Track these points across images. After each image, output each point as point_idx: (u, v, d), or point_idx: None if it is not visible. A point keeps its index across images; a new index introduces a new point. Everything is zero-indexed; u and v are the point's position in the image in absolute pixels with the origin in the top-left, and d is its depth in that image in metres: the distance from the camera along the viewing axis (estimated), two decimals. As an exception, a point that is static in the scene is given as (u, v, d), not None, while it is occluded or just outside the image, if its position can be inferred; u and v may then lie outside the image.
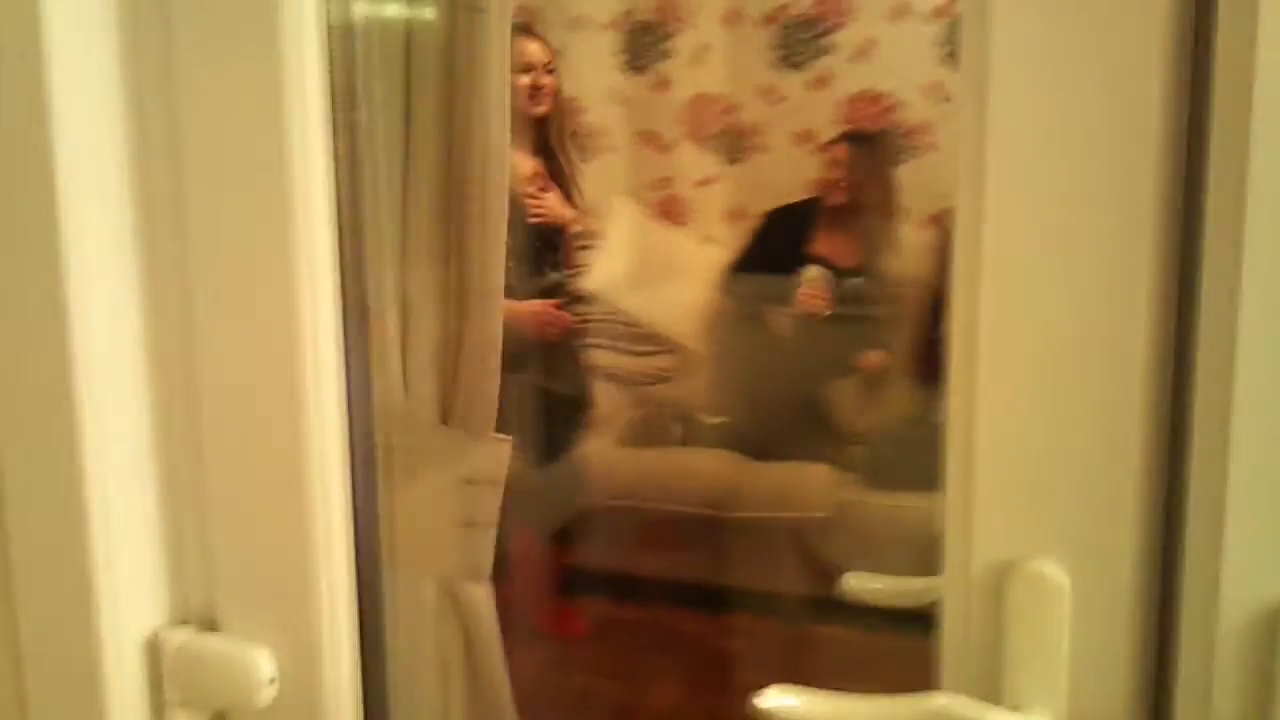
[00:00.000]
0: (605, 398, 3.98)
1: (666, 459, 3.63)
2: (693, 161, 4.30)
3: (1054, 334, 0.75)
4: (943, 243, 3.71)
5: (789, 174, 4.09)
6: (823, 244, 3.69)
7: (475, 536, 1.26)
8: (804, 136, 4.15)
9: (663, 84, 4.29)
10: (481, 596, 1.27)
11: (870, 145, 3.81)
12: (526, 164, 2.76)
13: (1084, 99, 0.72)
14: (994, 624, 0.78)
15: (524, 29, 2.81)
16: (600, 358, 4.04)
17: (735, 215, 4.26)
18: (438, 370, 1.21)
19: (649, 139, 4.34)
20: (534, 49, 2.73)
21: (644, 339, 4.09)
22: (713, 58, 4.22)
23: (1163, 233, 0.72)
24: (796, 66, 4.13)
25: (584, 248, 4.28)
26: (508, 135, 1.19)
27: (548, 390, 2.79)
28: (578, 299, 3.04)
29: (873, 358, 3.58)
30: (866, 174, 3.68)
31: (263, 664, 0.91)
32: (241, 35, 0.86)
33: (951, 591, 0.80)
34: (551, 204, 2.75)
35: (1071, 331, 0.74)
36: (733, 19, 4.16)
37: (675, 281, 4.14)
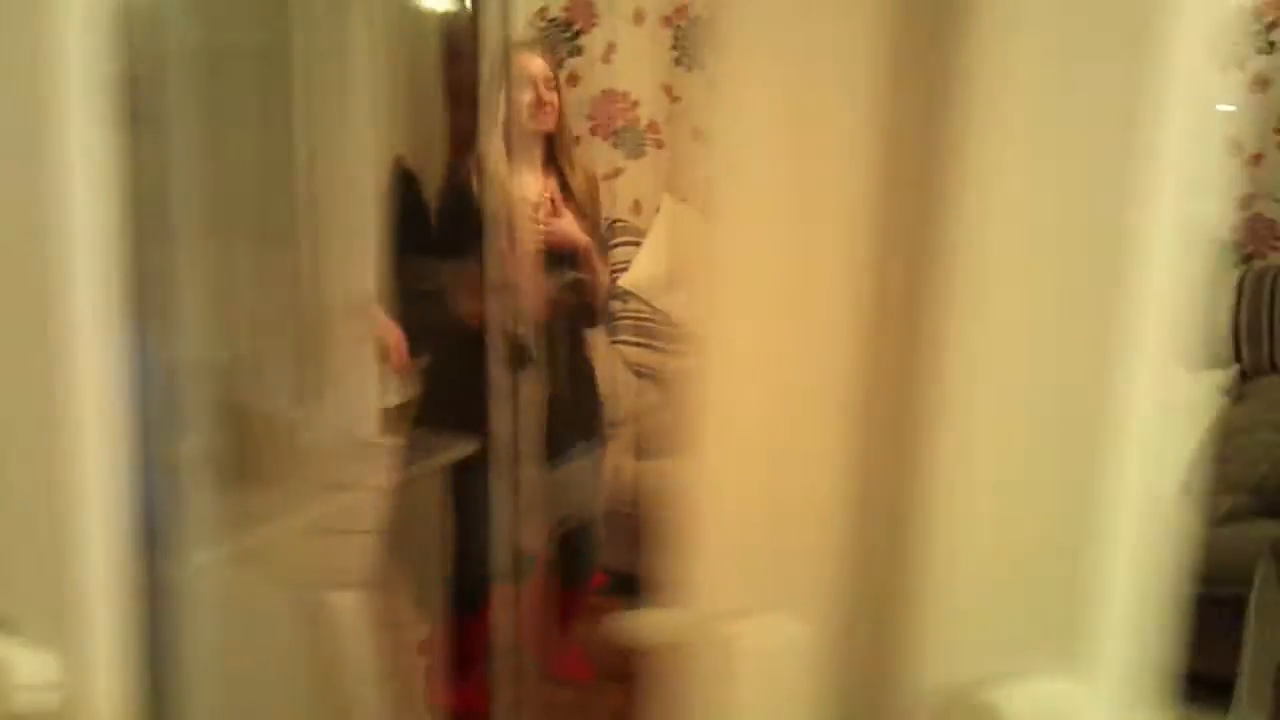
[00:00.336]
0: (639, 396, 3.94)
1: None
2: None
3: (774, 376, 0.69)
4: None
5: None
6: None
7: (346, 544, 1.23)
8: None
9: (716, 81, 4.22)
10: (349, 605, 1.24)
11: None
12: (534, 184, 2.70)
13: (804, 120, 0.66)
14: (720, 674, 0.72)
15: (525, 44, 2.76)
16: (636, 356, 4.00)
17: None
18: (305, 371, 1.18)
19: (701, 136, 4.28)
20: (535, 65, 2.68)
21: (682, 338, 4.03)
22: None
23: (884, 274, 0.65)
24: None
25: (624, 244, 4.25)
26: (382, 135, 1.16)
27: (553, 390, 2.74)
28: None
29: None
30: None
31: (21, 668, 0.89)
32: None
33: (682, 639, 0.75)
34: (562, 228, 2.68)
35: (790, 375, 0.68)
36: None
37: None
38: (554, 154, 2.72)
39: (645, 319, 4.04)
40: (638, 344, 4.02)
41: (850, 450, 0.67)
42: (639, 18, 4.28)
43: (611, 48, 4.34)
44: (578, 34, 4.38)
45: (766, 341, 0.69)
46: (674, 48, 4.25)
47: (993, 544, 0.62)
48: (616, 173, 4.43)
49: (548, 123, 2.65)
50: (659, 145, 4.34)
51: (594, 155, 4.43)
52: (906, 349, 0.64)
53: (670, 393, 4.04)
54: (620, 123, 4.39)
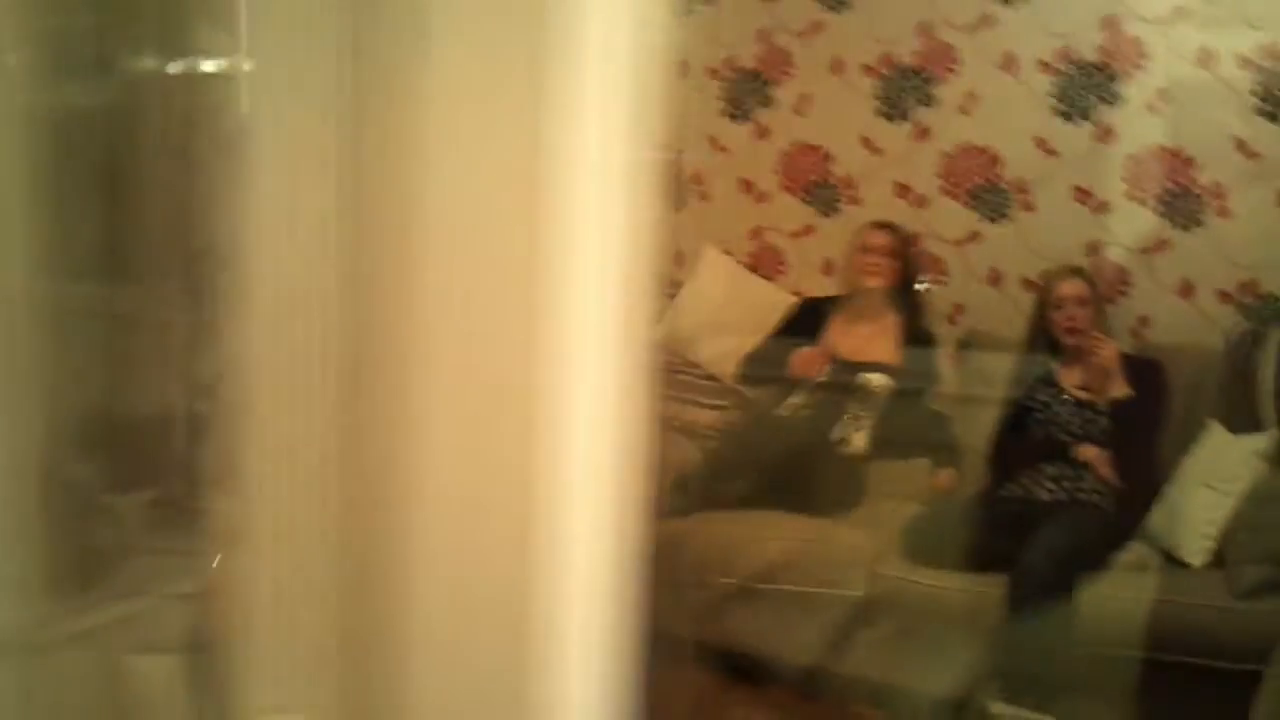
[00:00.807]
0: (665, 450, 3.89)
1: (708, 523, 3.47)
2: (789, 212, 4.17)
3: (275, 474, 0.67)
4: (1038, 311, 3.50)
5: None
6: (844, 337, 3.63)
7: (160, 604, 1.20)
8: (903, 190, 3.97)
9: (763, 132, 4.19)
10: (162, 670, 1.20)
11: (903, 235, 3.73)
12: None
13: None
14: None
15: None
16: (669, 409, 3.94)
17: (830, 268, 4.10)
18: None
19: (746, 187, 4.24)
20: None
21: (719, 392, 3.97)
22: (814, 107, 4.09)
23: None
24: (898, 117, 3.96)
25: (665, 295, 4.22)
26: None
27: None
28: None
29: (944, 479, 3.49)
30: (901, 264, 3.69)
31: None
32: None
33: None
34: None
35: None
36: (836, 68, 4.03)
37: (760, 334, 4.01)
38: None
39: (684, 372, 3.99)
40: (675, 397, 3.97)
41: (342, 558, 0.64)
42: (683, 69, 4.28)
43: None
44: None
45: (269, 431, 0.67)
46: (720, 98, 4.23)
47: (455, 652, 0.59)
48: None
49: None
50: (703, 197, 4.31)
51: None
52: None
53: (706, 449, 3.98)
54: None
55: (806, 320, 3.76)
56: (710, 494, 3.52)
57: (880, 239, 3.66)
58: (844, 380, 3.57)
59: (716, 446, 3.89)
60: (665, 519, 3.43)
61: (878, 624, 3.11)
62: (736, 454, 3.66)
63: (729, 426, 3.78)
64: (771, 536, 3.30)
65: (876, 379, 3.54)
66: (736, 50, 4.19)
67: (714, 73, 4.24)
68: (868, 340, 3.63)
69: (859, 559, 3.19)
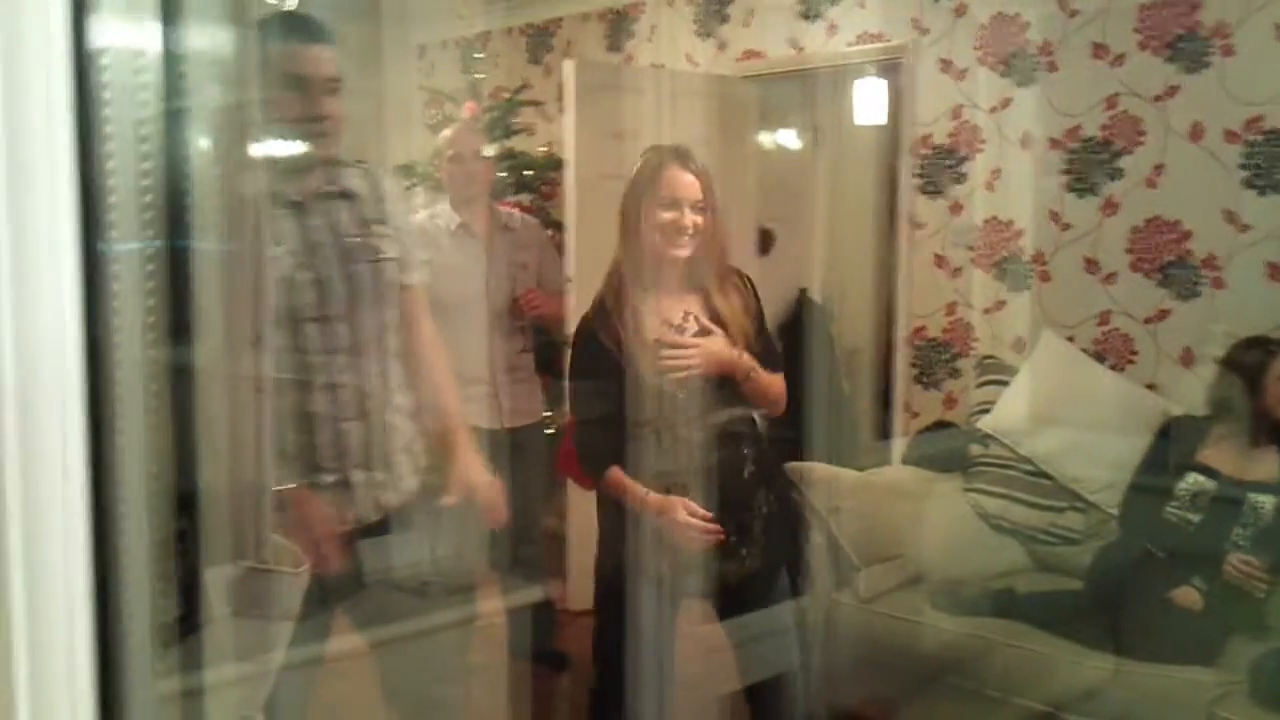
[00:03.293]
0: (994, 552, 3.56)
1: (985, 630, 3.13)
2: (1140, 294, 3.76)
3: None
4: None
5: (1250, 313, 3.44)
6: (1222, 456, 3.19)
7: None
8: (1275, 270, 3.47)
9: (1111, 206, 3.81)
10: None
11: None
12: (673, 307, 2.50)
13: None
14: None
15: (679, 158, 2.48)
16: (989, 505, 3.62)
17: (1189, 358, 3.65)
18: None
19: (1092, 267, 3.87)
20: (685, 182, 2.44)
21: (1049, 491, 3.60)
22: (1169, 178, 3.67)
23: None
24: (1269, 189, 3.47)
25: (991, 382, 3.90)
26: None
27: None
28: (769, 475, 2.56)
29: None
30: None
31: None
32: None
33: None
34: (706, 348, 2.42)
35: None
36: (1195, 135, 3.60)
37: (1102, 431, 3.61)
38: (699, 277, 2.47)
39: (1006, 466, 3.66)
40: (995, 494, 3.64)
41: None
42: (1025, 142, 3.99)
43: (996, 174, 4.07)
44: (963, 160, 4.16)
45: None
46: (1064, 171, 3.90)
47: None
48: (998, 306, 4.11)
49: (686, 248, 2.43)
50: (1043, 277, 3.97)
51: (973, 287, 4.15)
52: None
53: (1033, 554, 3.61)
54: (1003, 253, 4.08)
55: (1177, 443, 3.34)
56: (1024, 607, 3.18)
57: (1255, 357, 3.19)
58: (1229, 500, 3.12)
59: (1051, 554, 3.54)
60: (963, 616, 3.14)
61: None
62: (1089, 582, 3.30)
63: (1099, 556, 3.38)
64: (1089, 660, 2.92)
65: (1266, 500, 3.06)
66: (1082, 119, 3.84)
67: (1057, 143, 3.91)
68: (1253, 458, 3.16)
69: (1196, 698, 2.75)
